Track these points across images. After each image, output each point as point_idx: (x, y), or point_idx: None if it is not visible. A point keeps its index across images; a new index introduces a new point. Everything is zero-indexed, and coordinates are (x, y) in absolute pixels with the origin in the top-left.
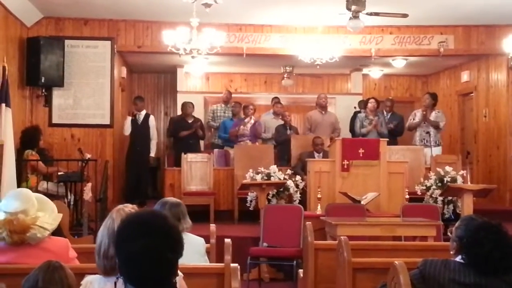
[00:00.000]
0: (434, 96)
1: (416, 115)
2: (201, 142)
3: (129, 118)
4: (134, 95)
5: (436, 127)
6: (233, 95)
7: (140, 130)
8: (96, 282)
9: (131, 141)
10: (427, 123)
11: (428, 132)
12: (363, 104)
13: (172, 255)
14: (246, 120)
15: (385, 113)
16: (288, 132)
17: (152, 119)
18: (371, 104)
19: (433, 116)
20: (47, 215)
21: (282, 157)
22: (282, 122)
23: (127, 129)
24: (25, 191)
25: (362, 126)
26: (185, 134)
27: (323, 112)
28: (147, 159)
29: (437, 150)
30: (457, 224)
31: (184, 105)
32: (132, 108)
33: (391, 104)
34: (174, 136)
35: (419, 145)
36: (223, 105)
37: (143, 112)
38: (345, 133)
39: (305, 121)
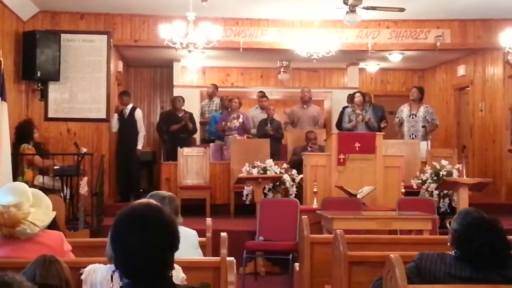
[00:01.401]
0: (421, 90)
1: (403, 111)
2: (197, 137)
3: (115, 116)
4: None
5: (426, 121)
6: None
7: (127, 124)
8: (99, 271)
9: (119, 135)
10: (414, 117)
11: (424, 126)
12: (350, 98)
13: (168, 248)
14: (233, 116)
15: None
16: (268, 126)
17: (138, 112)
18: (357, 98)
19: (422, 111)
20: (40, 211)
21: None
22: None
23: (115, 127)
24: (21, 185)
25: (349, 120)
26: (175, 128)
27: (305, 106)
28: (135, 152)
29: (425, 145)
30: (455, 216)
31: (174, 99)
32: (118, 104)
33: (369, 99)
34: (165, 131)
35: (407, 139)
36: (208, 100)
37: (130, 106)
38: (334, 129)
39: (287, 115)
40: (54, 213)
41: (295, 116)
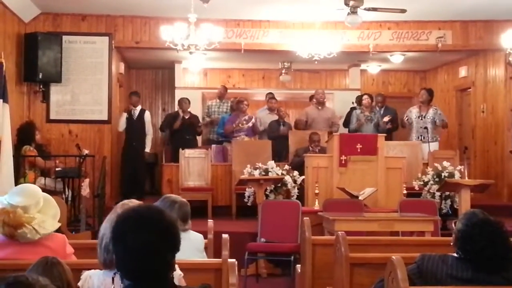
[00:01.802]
0: (430, 92)
1: (412, 112)
2: (198, 138)
3: (124, 115)
4: (132, 91)
5: (435, 122)
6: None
7: (136, 126)
8: (95, 276)
9: (127, 136)
10: (423, 118)
11: (425, 128)
12: (358, 100)
13: (169, 250)
14: (244, 118)
15: (377, 108)
16: (281, 128)
17: (147, 114)
18: (365, 100)
19: (431, 113)
20: (44, 218)
21: (276, 153)
22: (277, 118)
23: (122, 126)
24: (34, 188)
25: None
26: (178, 124)
27: (320, 107)
28: (143, 154)
29: (434, 146)
30: (460, 216)
31: (180, 101)
32: (128, 103)
33: (382, 99)
34: (169, 129)
35: (415, 140)
36: (217, 101)
37: (139, 108)
38: (341, 128)
39: (302, 115)
40: (59, 224)
41: (309, 117)
